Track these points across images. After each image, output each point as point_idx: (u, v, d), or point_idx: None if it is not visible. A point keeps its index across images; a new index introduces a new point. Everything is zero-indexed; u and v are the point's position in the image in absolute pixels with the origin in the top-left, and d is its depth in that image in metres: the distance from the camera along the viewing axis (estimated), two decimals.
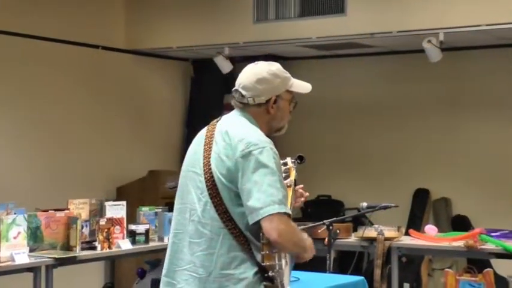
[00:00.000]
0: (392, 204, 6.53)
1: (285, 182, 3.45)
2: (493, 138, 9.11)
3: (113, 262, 9.07)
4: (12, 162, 8.21)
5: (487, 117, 9.12)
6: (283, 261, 3.24)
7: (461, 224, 9.01)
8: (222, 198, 3.21)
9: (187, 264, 3.28)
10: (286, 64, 9.61)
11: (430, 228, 7.59)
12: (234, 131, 3.30)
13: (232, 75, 9.76)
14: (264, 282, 3.20)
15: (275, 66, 3.47)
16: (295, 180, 3.61)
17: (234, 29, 8.78)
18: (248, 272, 3.20)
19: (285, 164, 3.66)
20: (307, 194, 3.71)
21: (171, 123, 10.09)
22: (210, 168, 3.26)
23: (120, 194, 9.05)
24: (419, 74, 9.35)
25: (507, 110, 9.01)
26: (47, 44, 8.47)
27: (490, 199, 9.10)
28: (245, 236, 3.21)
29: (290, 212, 3.19)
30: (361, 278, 5.06)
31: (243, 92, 3.40)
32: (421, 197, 9.44)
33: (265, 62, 3.52)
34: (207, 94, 10.07)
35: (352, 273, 5.83)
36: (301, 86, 3.53)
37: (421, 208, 9.44)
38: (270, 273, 3.16)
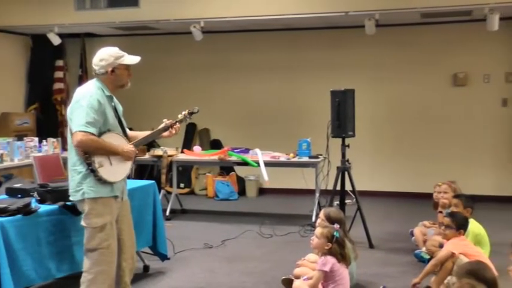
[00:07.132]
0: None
1: (164, 119, 3.92)
2: (245, 90, 9.37)
3: None
4: None
5: (250, 77, 9.28)
6: (101, 161, 3.51)
7: (216, 145, 9.29)
8: (71, 128, 3.51)
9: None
10: (98, 40, 9.29)
11: (197, 148, 7.77)
12: (77, 91, 3.61)
13: (61, 47, 9.25)
14: (92, 173, 3.52)
15: (112, 50, 3.66)
16: (176, 121, 3.94)
17: (60, 14, 8.28)
18: (82, 168, 3.53)
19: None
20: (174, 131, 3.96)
21: (17, 79, 9.38)
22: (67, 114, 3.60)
23: None
24: (186, 49, 9.37)
25: (263, 74, 9.28)
26: None
27: (234, 128, 9.42)
28: None
29: (89, 130, 3.44)
30: (153, 181, 5.07)
31: (94, 67, 3.66)
32: (191, 128, 9.58)
33: (108, 47, 3.68)
34: (42, 59, 9.47)
35: (147, 179, 5.82)
36: (130, 60, 3.67)
37: (191, 135, 9.58)
38: (90, 167, 3.50)
